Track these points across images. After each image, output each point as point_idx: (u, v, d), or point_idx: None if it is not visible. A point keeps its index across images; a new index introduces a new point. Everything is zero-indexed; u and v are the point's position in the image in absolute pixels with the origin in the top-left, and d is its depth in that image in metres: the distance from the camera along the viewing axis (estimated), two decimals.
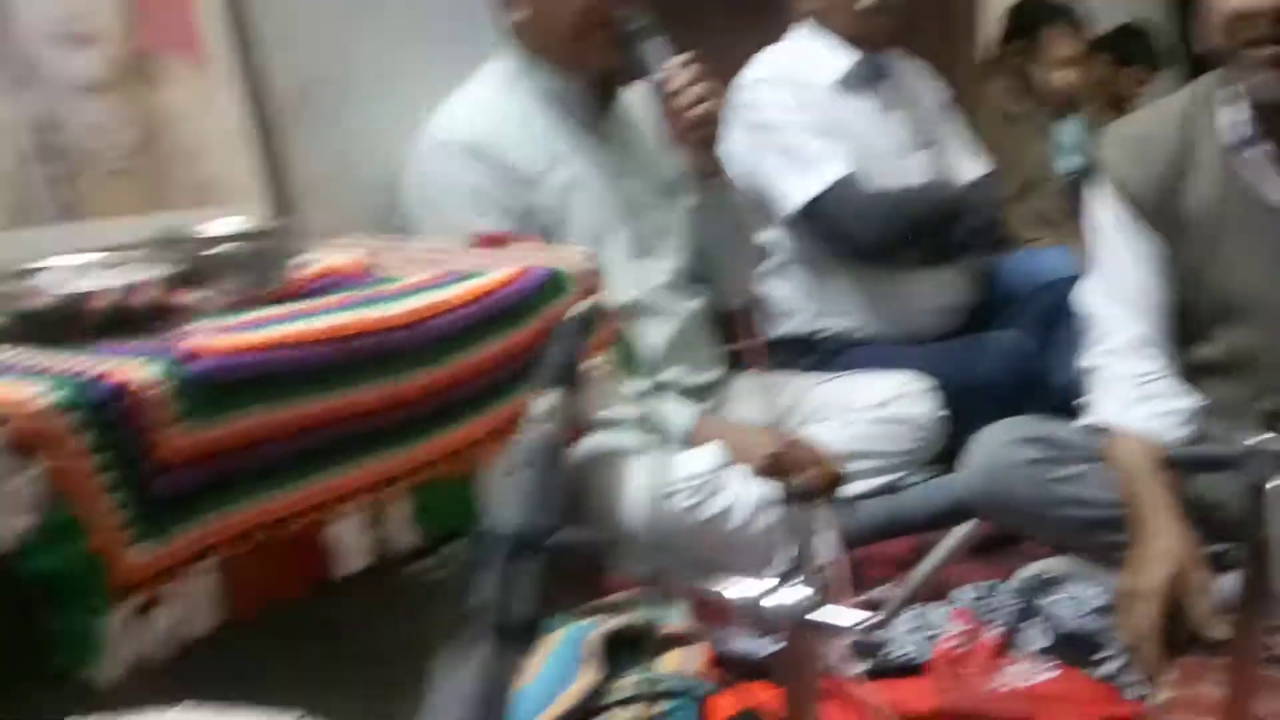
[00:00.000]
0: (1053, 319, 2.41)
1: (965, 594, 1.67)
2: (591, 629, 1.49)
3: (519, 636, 0.64)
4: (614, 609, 1.58)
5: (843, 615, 0.85)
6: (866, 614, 0.86)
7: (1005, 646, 1.59)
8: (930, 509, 1.95)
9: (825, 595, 0.87)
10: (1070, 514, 1.68)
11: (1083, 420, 1.71)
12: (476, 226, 1.83)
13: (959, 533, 0.87)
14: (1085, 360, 1.74)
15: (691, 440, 1.88)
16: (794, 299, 2.41)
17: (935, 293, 2.45)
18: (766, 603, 0.84)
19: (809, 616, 0.84)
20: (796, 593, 0.85)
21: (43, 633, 1.04)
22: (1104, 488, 1.66)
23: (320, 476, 1.27)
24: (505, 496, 0.65)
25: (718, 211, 2.06)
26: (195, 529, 1.15)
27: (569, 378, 0.67)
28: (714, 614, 1.62)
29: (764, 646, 1.59)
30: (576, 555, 0.68)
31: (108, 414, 1.07)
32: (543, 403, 0.66)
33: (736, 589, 0.86)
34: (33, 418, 1.03)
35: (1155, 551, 1.52)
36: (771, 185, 2.30)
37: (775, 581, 0.87)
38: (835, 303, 2.40)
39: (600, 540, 0.71)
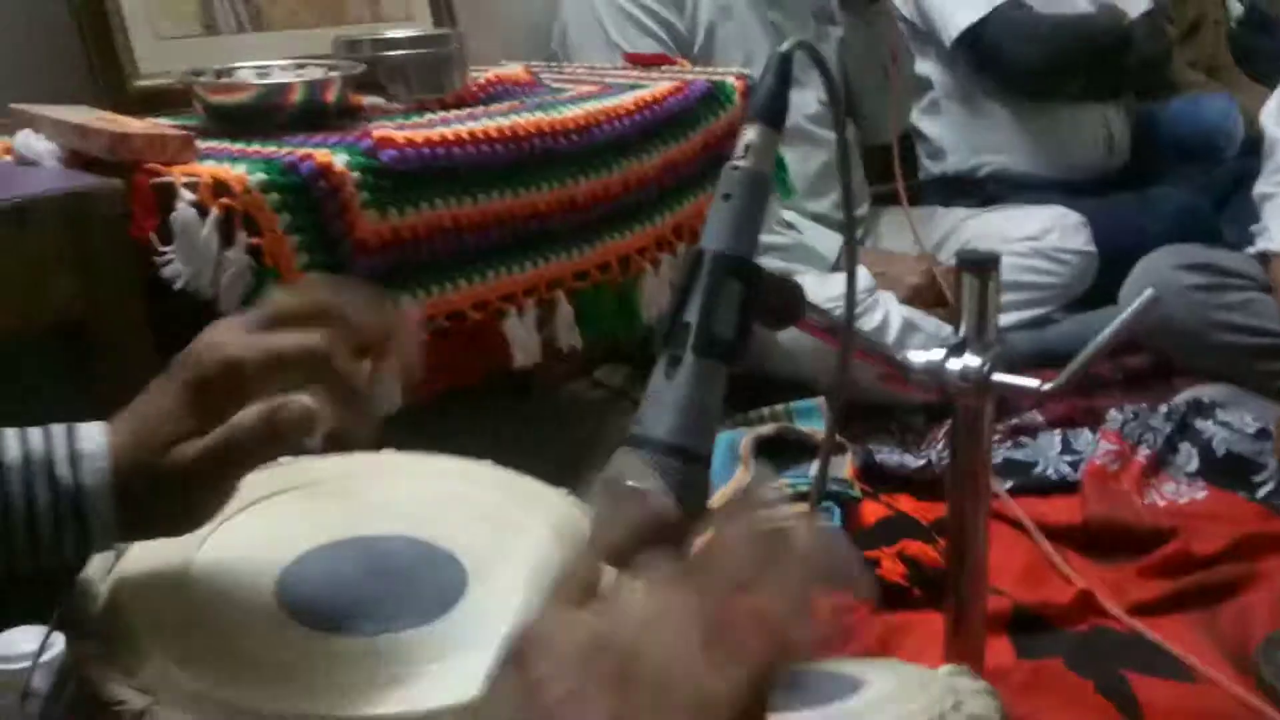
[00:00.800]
0: (1228, 183, 2.34)
1: (1117, 417, 1.67)
2: (744, 434, 1.54)
3: (723, 353, 0.68)
4: (766, 418, 1.63)
5: (1020, 379, 0.88)
6: (1039, 382, 0.87)
7: (1156, 467, 1.59)
8: (1081, 341, 1.93)
9: (1000, 364, 0.90)
10: (1231, 341, 1.66)
11: (1253, 247, 1.68)
12: (630, 48, 1.85)
13: (1143, 301, 0.87)
14: (1260, 186, 1.69)
15: (839, 268, 1.90)
16: (948, 136, 2.37)
17: (1096, 129, 2.38)
18: (948, 365, 0.87)
19: (989, 378, 0.86)
20: (974, 359, 0.88)
21: None
22: (1269, 316, 1.63)
23: (496, 273, 1.32)
24: (714, 222, 0.68)
25: (872, 41, 2.03)
26: None
27: (778, 114, 0.70)
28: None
29: (909, 460, 1.63)
30: (774, 289, 0.72)
31: (308, 196, 1.13)
32: (753, 134, 0.69)
33: (917, 354, 0.89)
34: (242, 195, 1.10)
35: None
36: (937, 8, 2.25)
37: (951, 351, 0.89)
38: (991, 139, 2.35)
39: (795, 283, 0.75)
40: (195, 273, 1.09)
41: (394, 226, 1.20)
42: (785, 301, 0.72)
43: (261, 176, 1.11)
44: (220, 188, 1.09)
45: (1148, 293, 0.86)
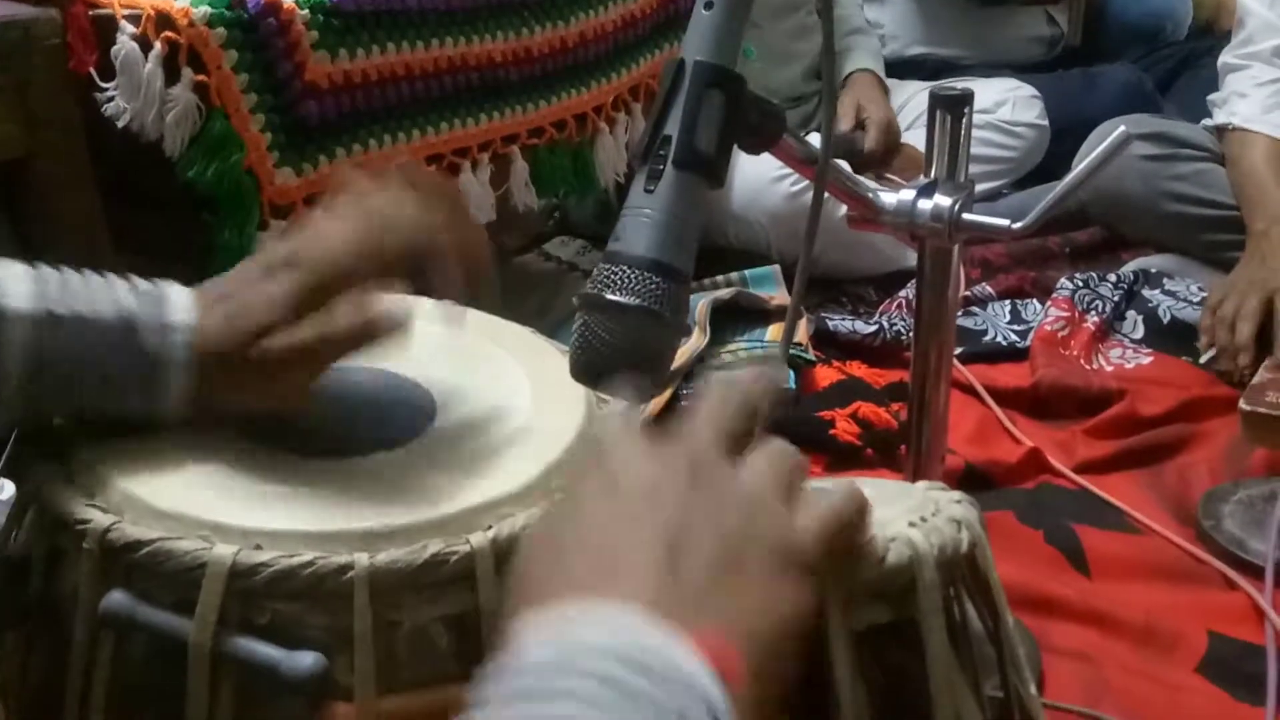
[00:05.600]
0: (1173, 65, 2.35)
1: (1067, 285, 1.69)
2: (700, 299, 1.54)
3: (704, 168, 0.66)
4: (721, 285, 1.63)
5: (990, 219, 0.87)
6: (1009, 221, 0.87)
7: (1104, 333, 1.62)
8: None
9: (969, 205, 0.89)
10: (1181, 211, 1.68)
11: (1210, 119, 1.69)
12: None
13: (1114, 138, 0.87)
14: (1225, 56, 1.69)
15: None
16: (891, 24, 2.34)
17: (1043, 27, 2.38)
18: (918, 205, 0.86)
19: (960, 218, 0.85)
20: (945, 199, 0.87)
21: (207, 248, 1.10)
22: (1219, 187, 1.65)
23: (450, 124, 1.29)
24: (695, 31, 0.66)
25: None
26: (334, 160, 1.18)
27: None
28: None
29: (860, 327, 1.64)
30: (755, 105, 0.70)
31: (256, 33, 1.09)
32: None
33: (888, 194, 0.88)
34: (186, 29, 1.05)
35: (1272, 250, 1.52)
36: None
37: (922, 191, 0.88)
38: (935, 31, 2.33)
39: (776, 105, 0.73)
40: (138, 110, 1.05)
41: (345, 70, 1.16)
42: (764, 120, 0.70)
43: (206, 10, 1.06)
44: (163, 21, 1.05)
45: (1119, 130, 0.85)
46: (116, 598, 0.57)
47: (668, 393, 1.41)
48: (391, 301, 0.63)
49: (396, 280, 0.63)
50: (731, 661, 0.38)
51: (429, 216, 0.65)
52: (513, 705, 0.36)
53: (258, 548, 0.57)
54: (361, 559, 0.57)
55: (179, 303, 0.62)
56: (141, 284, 0.63)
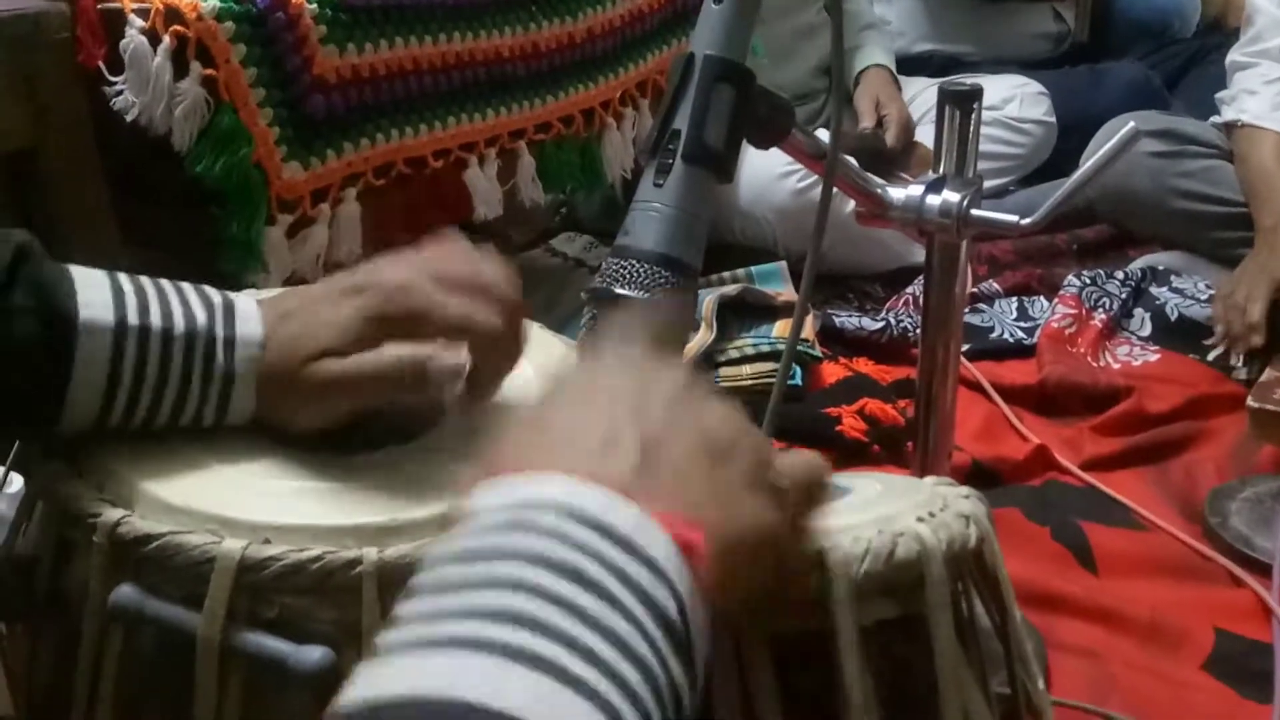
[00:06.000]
0: (1181, 62, 2.35)
1: (1074, 283, 1.68)
2: (707, 294, 1.53)
3: (713, 162, 0.66)
4: (728, 281, 1.63)
5: (999, 214, 0.87)
6: (1017, 217, 0.87)
7: (1112, 330, 1.61)
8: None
9: (978, 201, 0.89)
10: (1189, 208, 1.67)
11: (1218, 116, 1.68)
12: None
13: (1122, 135, 0.86)
14: (1233, 54, 1.69)
15: None
16: (899, 20, 2.34)
17: (1049, 24, 2.38)
18: (927, 201, 0.86)
19: (968, 213, 0.85)
20: (953, 194, 0.87)
21: (215, 242, 1.10)
22: (1227, 184, 1.64)
23: (457, 119, 1.29)
24: (705, 25, 0.66)
25: None
26: (342, 155, 1.18)
27: None
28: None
29: (867, 323, 1.64)
30: (764, 99, 0.70)
31: (264, 27, 1.09)
32: None
33: (897, 190, 0.88)
34: (195, 23, 1.05)
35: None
36: None
37: (930, 187, 0.88)
38: (942, 28, 2.33)
39: (786, 99, 0.73)
40: (147, 104, 1.05)
41: (353, 64, 1.17)
42: (774, 115, 0.70)
43: (215, 4, 1.06)
44: (172, 15, 1.05)
45: (1129, 126, 0.85)
46: (125, 591, 0.57)
47: None
48: (455, 356, 0.60)
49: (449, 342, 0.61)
50: (695, 541, 0.37)
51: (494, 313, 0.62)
52: (458, 565, 0.34)
53: (266, 542, 0.57)
54: (370, 554, 0.57)
55: (248, 317, 0.62)
56: (214, 295, 0.62)
